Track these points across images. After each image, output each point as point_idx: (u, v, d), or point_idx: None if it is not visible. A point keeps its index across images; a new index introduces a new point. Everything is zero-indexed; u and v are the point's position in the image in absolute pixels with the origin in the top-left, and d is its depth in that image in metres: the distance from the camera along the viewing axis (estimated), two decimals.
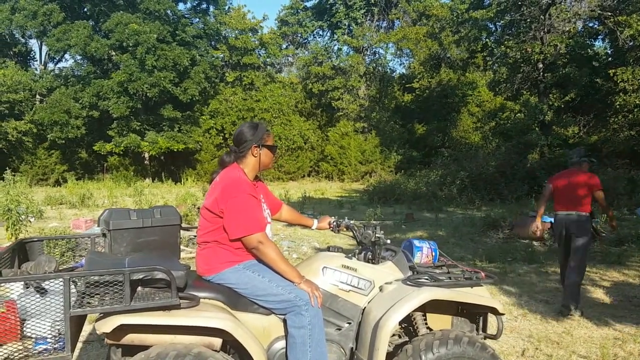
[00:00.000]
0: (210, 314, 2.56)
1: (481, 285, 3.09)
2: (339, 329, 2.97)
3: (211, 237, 2.89)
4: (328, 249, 3.16)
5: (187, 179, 27.81)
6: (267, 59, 35.85)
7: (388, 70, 36.87)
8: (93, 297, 2.40)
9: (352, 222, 3.45)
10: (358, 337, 2.96)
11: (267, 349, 2.84)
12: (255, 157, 2.98)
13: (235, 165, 2.99)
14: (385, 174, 28.67)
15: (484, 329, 3.21)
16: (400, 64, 58.84)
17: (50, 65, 34.63)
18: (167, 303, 2.42)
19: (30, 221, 10.76)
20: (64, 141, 27.37)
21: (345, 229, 3.43)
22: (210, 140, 31.19)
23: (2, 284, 2.32)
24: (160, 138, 28.12)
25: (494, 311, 3.07)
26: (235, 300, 2.82)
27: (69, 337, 2.25)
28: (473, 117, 30.84)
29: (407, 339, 3.12)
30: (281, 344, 2.86)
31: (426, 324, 3.08)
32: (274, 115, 32.21)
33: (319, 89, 33.16)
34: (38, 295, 2.36)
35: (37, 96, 29.79)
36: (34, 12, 27.49)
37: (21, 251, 3.08)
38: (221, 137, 31.48)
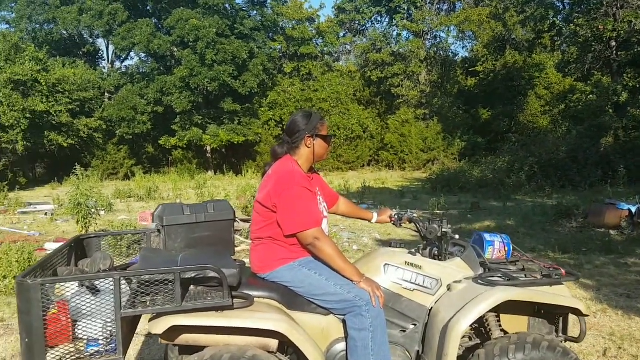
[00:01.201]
0: (264, 314, 2.42)
1: (562, 284, 2.79)
2: (404, 331, 2.76)
3: (265, 232, 2.75)
4: (390, 244, 2.94)
5: (247, 171, 28.17)
6: (325, 48, 35.60)
7: (450, 54, 35.75)
8: (146, 296, 2.31)
9: (414, 214, 3.21)
10: (424, 340, 2.74)
11: (326, 351, 2.67)
12: (309, 148, 2.80)
13: (289, 157, 2.82)
14: (449, 162, 27.89)
15: (565, 331, 2.90)
16: (463, 47, 57.33)
17: (117, 64, 36.06)
18: (218, 304, 2.29)
19: (100, 214, 11.15)
20: (131, 136, 28.38)
21: (407, 223, 3.19)
22: (269, 132, 31.42)
23: (56, 284, 2.26)
24: (221, 131, 28.59)
25: (576, 312, 2.76)
26: (292, 299, 2.67)
27: (120, 339, 2.17)
28: (541, 100, 29.43)
29: (478, 341, 2.87)
30: (341, 346, 2.69)
31: (500, 326, 2.81)
32: (332, 104, 32.01)
33: (378, 76, 32.61)
34: (90, 295, 2.29)
35: (106, 94, 31.04)
36: (100, 12, 28.53)
37: (79, 248, 3.05)
38: (280, 129, 31.64)
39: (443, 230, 2.88)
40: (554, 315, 2.91)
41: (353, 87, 33.88)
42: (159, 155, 31.71)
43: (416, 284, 2.78)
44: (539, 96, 29.66)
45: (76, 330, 2.21)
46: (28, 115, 22.40)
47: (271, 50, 31.86)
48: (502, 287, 2.64)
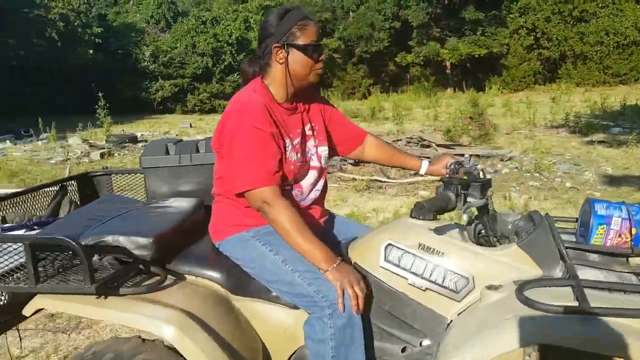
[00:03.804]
0: (153, 308, 1.69)
1: None
2: (404, 350, 1.73)
3: (219, 187, 1.96)
4: (412, 212, 1.81)
5: (490, 88, 25.79)
6: None
7: None
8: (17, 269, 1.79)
9: (477, 165, 1.97)
10: None
11: None
12: (280, 63, 1.84)
13: (257, 79, 1.92)
14: None
15: None
16: None
17: None
18: (76, 290, 1.64)
19: None
20: (369, 55, 28.38)
21: (465, 177, 1.97)
22: (518, 42, 27.89)
23: None
24: (461, 44, 26.47)
25: None
26: (240, 281, 1.89)
27: None
28: None
29: None
30: None
31: None
32: (600, 4, 26.63)
33: None
34: None
35: (350, 13, 31.36)
36: None
37: (87, 185, 2.70)
38: (532, 38, 27.82)
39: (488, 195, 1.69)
40: None
41: None
42: (400, 73, 31.23)
43: (432, 281, 1.70)
44: None
45: None
46: None
47: None
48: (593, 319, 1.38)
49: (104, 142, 12.08)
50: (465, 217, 1.65)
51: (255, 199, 1.76)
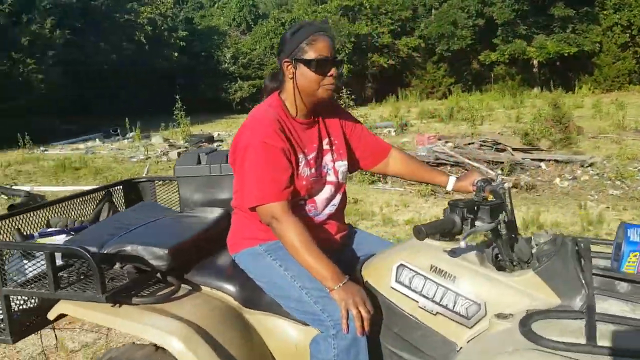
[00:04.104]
0: (157, 318, 1.73)
1: None
2: None
3: (236, 200, 1.98)
4: (422, 231, 1.72)
5: (580, 87, 24.31)
6: None
7: None
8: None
9: (505, 183, 1.85)
10: None
11: None
12: (290, 79, 1.84)
13: (275, 94, 1.93)
14: None
15: None
16: None
17: None
18: (88, 298, 1.71)
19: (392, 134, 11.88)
20: (450, 53, 27.66)
21: (490, 197, 1.85)
22: (612, 40, 26.12)
23: None
24: (549, 41, 25.15)
25: None
26: (252, 294, 1.89)
27: (7, 319, 1.83)
28: None
29: None
30: None
31: None
32: None
33: None
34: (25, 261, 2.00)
35: (433, 10, 30.73)
36: None
37: (132, 191, 2.82)
38: (627, 35, 25.93)
39: (507, 214, 1.59)
40: None
41: None
42: (484, 72, 30.17)
43: (442, 305, 1.62)
44: None
45: None
46: (352, 39, 24.03)
47: None
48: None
49: (182, 142, 12.63)
50: (463, 244, 1.55)
51: (264, 214, 1.76)
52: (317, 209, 1.91)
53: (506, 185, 1.84)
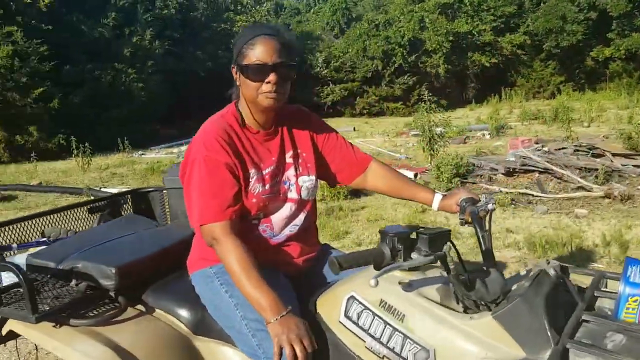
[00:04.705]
0: (86, 343, 1.61)
1: None
2: None
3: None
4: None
5: None
6: None
7: None
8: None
9: (490, 204, 1.53)
10: None
11: None
12: (238, 85, 1.71)
13: (231, 104, 1.78)
14: None
15: None
16: None
17: None
18: (17, 317, 1.64)
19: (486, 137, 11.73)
20: (559, 50, 25.70)
21: (469, 219, 1.54)
22: None
23: None
24: None
25: None
26: (204, 320, 1.75)
27: None
28: None
29: None
30: None
31: None
32: None
33: None
34: None
35: (541, 4, 28.77)
36: None
37: (141, 201, 2.77)
38: None
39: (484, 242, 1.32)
40: None
41: None
42: (598, 70, 27.71)
43: (389, 348, 1.38)
44: None
45: None
46: (451, 38, 23.14)
47: None
48: None
49: None
50: (372, 282, 1.26)
51: (205, 235, 1.59)
52: (272, 229, 1.70)
53: (489, 206, 1.52)
